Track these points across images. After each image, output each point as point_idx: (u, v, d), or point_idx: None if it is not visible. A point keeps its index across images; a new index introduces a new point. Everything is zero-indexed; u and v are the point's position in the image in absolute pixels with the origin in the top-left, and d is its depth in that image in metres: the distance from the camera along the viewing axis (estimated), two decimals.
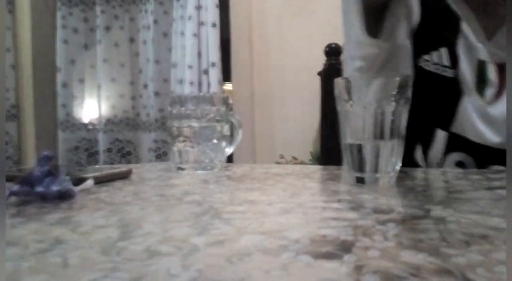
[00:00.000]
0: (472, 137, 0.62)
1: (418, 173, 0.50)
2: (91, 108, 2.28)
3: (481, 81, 0.63)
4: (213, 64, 1.92)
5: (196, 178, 0.51)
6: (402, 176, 0.47)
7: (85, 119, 2.30)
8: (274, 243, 0.23)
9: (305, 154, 1.81)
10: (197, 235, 0.24)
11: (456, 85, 0.63)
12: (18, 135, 2.22)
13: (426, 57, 0.65)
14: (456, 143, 0.63)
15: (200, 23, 1.93)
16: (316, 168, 0.57)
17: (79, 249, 0.22)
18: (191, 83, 1.92)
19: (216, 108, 0.58)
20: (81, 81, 2.28)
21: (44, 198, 0.36)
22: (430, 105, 0.64)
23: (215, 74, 1.92)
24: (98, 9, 2.16)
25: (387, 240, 0.23)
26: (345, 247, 0.22)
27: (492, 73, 0.62)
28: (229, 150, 0.62)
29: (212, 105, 0.58)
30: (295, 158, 1.88)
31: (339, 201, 0.34)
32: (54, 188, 0.36)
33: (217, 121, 0.58)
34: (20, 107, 2.21)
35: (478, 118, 0.62)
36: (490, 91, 0.62)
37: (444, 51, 0.64)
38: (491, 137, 0.61)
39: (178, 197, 0.38)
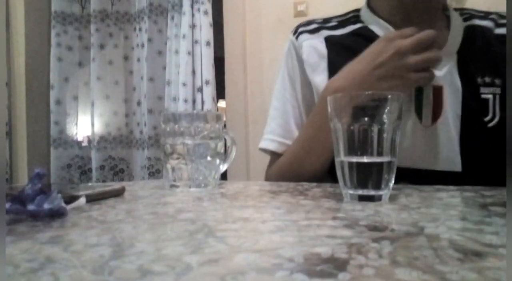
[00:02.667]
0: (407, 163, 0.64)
1: (412, 190, 0.51)
2: (84, 125, 2.28)
3: (419, 105, 0.66)
4: (207, 82, 1.93)
5: (189, 195, 0.51)
6: (395, 193, 0.47)
7: (78, 137, 2.29)
8: (268, 261, 0.23)
9: None
10: (191, 254, 0.24)
11: None
12: (10, 152, 2.20)
13: None
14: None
15: (194, 42, 1.95)
16: (310, 185, 0.57)
17: (71, 269, 0.22)
18: (185, 100, 1.93)
19: (209, 126, 0.58)
20: (75, 98, 2.28)
21: (36, 216, 0.35)
22: None
23: (209, 91, 1.93)
24: (92, 27, 2.18)
25: (382, 258, 0.23)
26: (340, 265, 0.22)
27: (429, 96, 0.65)
28: (223, 168, 0.62)
29: (206, 122, 0.58)
30: None
31: (333, 218, 0.34)
32: (46, 206, 0.35)
33: (211, 138, 0.58)
34: (12, 124, 2.21)
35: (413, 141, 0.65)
36: (426, 113, 0.65)
37: None
38: (429, 160, 0.64)
39: (171, 215, 0.38)
